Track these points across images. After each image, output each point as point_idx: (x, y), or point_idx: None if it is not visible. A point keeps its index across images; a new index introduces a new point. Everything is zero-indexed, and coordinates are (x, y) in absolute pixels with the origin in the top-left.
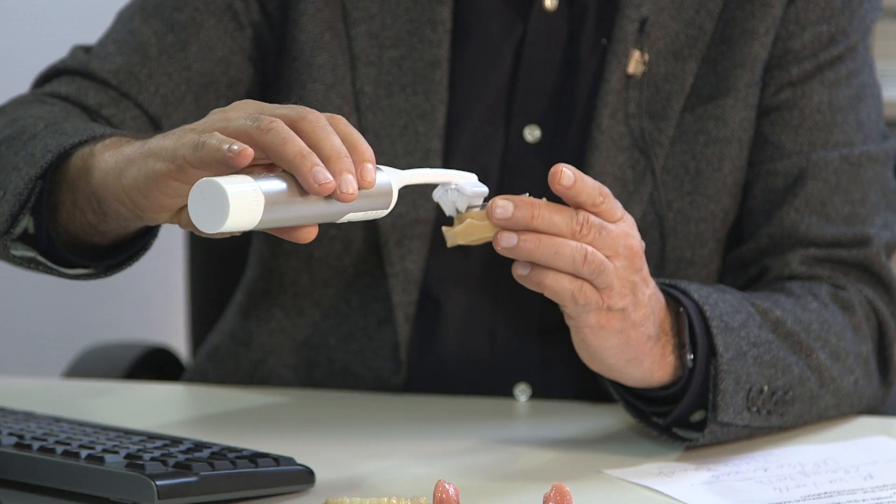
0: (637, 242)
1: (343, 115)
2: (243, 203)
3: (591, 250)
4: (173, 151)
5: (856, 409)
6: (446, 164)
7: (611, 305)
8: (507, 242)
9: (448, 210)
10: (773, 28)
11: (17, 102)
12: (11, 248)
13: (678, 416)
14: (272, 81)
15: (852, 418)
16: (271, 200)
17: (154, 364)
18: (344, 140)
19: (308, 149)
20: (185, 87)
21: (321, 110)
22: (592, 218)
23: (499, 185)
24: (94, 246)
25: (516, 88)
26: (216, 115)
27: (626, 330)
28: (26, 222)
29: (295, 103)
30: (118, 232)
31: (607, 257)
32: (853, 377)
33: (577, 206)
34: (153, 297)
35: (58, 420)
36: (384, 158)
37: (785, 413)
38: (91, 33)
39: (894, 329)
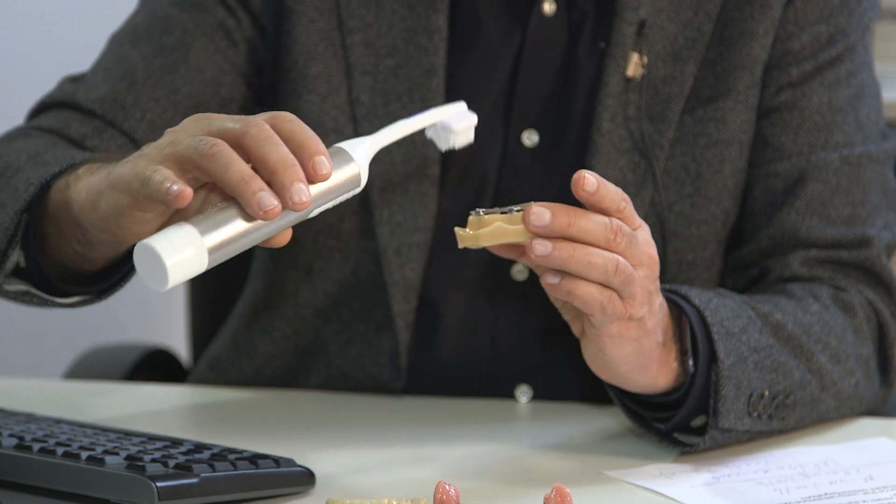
0: (655, 251)
1: (339, 126)
2: (182, 262)
3: (622, 261)
4: (128, 184)
5: (856, 410)
6: (445, 171)
7: (632, 315)
8: (541, 250)
9: (442, 145)
10: (772, 29)
11: (5, 138)
12: (5, 283)
13: (679, 422)
14: (269, 94)
15: (853, 420)
16: (218, 244)
17: (154, 365)
18: (289, 140)
19: (250, 172)
20: (174, 110)
21: (316, 121)
22: (624, 227)
23: (497, 189)
24: (84, 273)
25: (514, 93)
26: (168, 137)
27: (641, 338)
28: (17, 257)
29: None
30: (107, 256)
31: (633, 266)
32: (854, 379)
33: (600, 213)
34: (153, 299)
35: (58, 421)
36: (382, 167)
37: (786, 417)
38: (91, 34)
39: (895, 330)
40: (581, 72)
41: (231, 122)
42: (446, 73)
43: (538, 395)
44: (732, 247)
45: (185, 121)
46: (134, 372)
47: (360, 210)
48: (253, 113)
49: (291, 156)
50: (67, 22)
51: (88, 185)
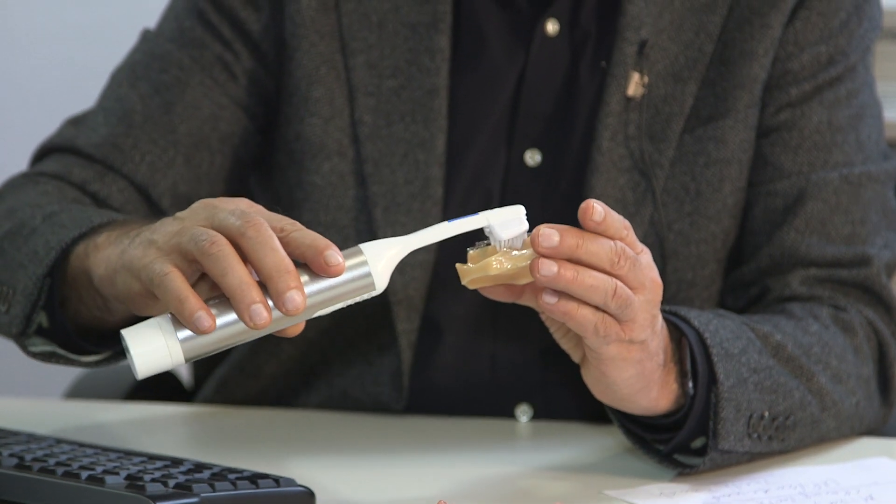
0: (657, 275)
1: (342, 147)
2: (153, 360)
3: (620, 285)
4: (138, 273)
5: (857, 430)
6: (448, 191)
7: (633, 338)
8: (547, 270)
9: (512, 247)
10: (772, 49)
11: (12, 186)
12: (29, 345)
13: (679, 444)
14: (273, 118)
15: (853, 439)
16: (194, 347)
17: (154, 385)
18: (297, 247)
19: (248, 280)
20: (174, 150)
21: (320, 144)
22: (628, 250)
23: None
24: (102, 331)
25: (517, 113)
26: (175, 225)
27: (644, 361)
28: (40, 318)
29: (294, 139)
30: (124, 318)
31: (633, 290)
32: (854, 399)
33: None
34: None
35: (59, 441)
36: (384, 187)
37: (786, 438)
38: (92, 52)
39: (894, 349)
40: (582, 91)
41: (233, 217)
42: (449, 93)
43: (538, 415)
44: (732, 266)
45: (194, 206)
46: (134, 392)
47: (364, 230)
48: (255, 142)
49: (287, 261)
50: (69, 40)
51: (107, 259)
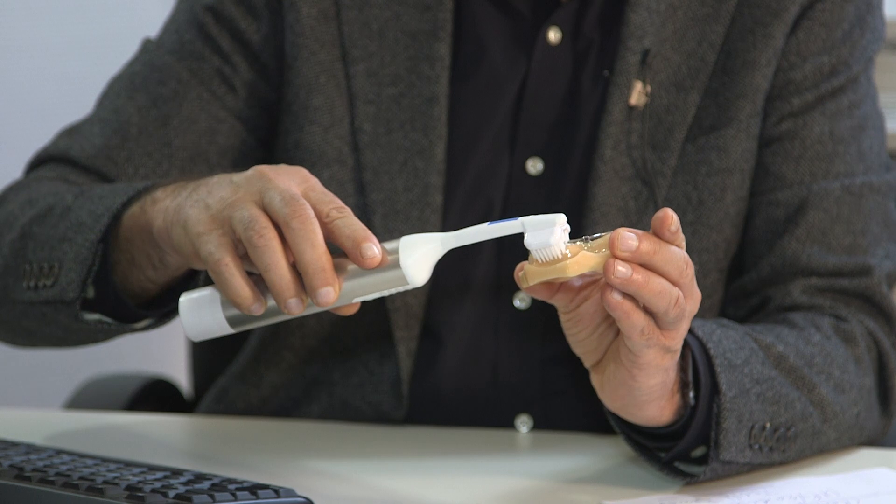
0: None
1: (341, 155)
2: (203, 329)
3: (681, 296)
4: (193, 241)
5: (857, 441)
6: (448, 199)
7: (669, 346)
8: (622, 274)
9: (541, 257)
10: (775, 59)
11: (16, 188)
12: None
13: (679, 452)
14: (275, 128)
15: (853, 450)
16: (241, 324)
17: (155, 395)
18: (339, 235)
19: (287, 278)
20: (168, 163)
21: (319, 152)
22: (691, 262)
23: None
24: (147, 298)
25: (519, 121)
26: (229, 190)
27: (669, 370)
28: (87, 289)
29: (294, 147)
30: (172, 277)
31: (685, 299)
32: (856, 410)
33: None
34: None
35: (58, 452)
36: (383, 195)
37: (787, 449)
38: (93, 65)
39: (895, 360)
40: (585, 100)
41: (281, 201)
42: (449, 101)
43: (538, 425)
44: (734, 275)
45: (249, 173)
46: (134, 402)
47: None
48: (255, 155)
49: (324, 258)
50: (70, 53)
51: (164, 210)
